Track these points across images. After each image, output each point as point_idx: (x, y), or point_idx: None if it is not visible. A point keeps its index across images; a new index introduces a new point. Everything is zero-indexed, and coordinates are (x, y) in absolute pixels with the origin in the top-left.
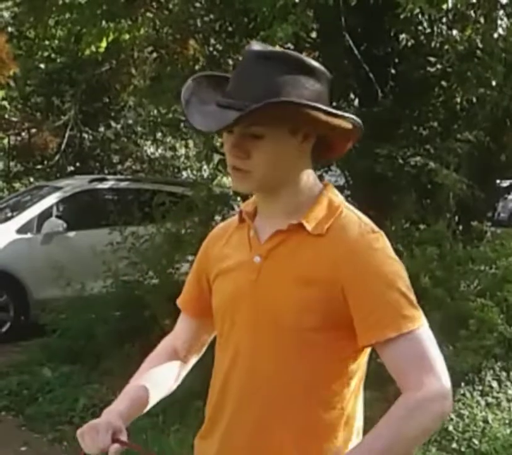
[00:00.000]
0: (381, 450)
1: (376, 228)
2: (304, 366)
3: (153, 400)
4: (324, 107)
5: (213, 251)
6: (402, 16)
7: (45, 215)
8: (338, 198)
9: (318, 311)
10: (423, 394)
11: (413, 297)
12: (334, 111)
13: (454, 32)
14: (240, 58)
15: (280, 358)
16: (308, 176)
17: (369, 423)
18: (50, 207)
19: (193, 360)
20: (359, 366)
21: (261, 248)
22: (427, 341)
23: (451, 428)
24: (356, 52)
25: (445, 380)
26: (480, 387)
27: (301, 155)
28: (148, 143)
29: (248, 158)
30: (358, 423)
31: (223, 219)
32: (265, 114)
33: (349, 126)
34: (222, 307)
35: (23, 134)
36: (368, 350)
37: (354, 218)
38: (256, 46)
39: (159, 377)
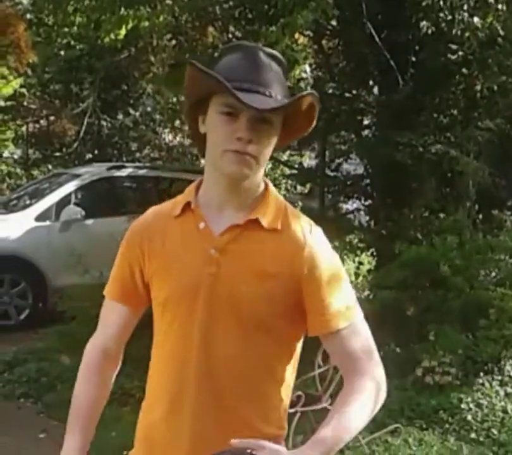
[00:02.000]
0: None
1: (314, 223)
2: (260, 350)
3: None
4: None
5: (151, 245)
6: (423, 3)
7: (63, 203)
8: (278, 193)
9: (279, 302)
10: (375, 379)
11: (350, 287)
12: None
13: (476, 19)
14: (240, 48)
15: (238, 345)
16: None
17: (385, 411)
18: (69, 195)
19: (122, 353)
20: (299, 347)
21: (216, 240)
22: (367, 330)
23: (469, 417)
24: (376, 39)
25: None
26: (500, 377)
27: None
28: (167, 130)
29: (257, 143)
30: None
31: None
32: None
33: None
34: (176, 296)
35: (42, 121)
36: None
37: (298, 214)
38: (251, 44)
39: (96, 401)
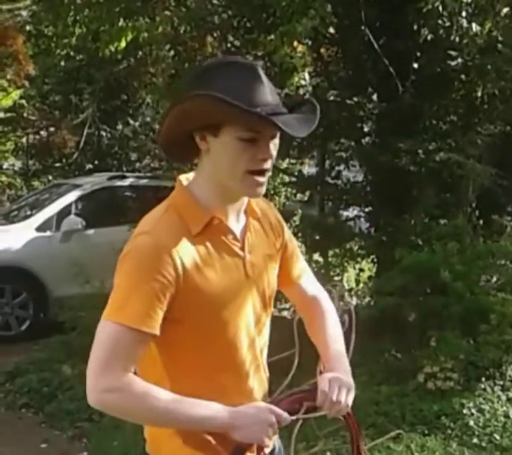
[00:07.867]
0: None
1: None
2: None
3: None
4: None
5: (184, 264)
6: (424, 10)
7: (64, 213)
8: None
9: (276, 273)
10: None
11: None
12: None
13: (474, 26)
14: (247, 63)
15: (266, 320)
16: None
17: (387, 417)
18: (69, 205)
19: None
20: None
21: (243, 244)
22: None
23: (471, 423)
24: (375, 46)
25: None
26: (501, 382)
27: None
28: None
29: (273, 157)
30: None
31: None
32: None
33: None
34: (226, 298)
35: (42, 132)
36: None
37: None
38: (246, 60)
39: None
